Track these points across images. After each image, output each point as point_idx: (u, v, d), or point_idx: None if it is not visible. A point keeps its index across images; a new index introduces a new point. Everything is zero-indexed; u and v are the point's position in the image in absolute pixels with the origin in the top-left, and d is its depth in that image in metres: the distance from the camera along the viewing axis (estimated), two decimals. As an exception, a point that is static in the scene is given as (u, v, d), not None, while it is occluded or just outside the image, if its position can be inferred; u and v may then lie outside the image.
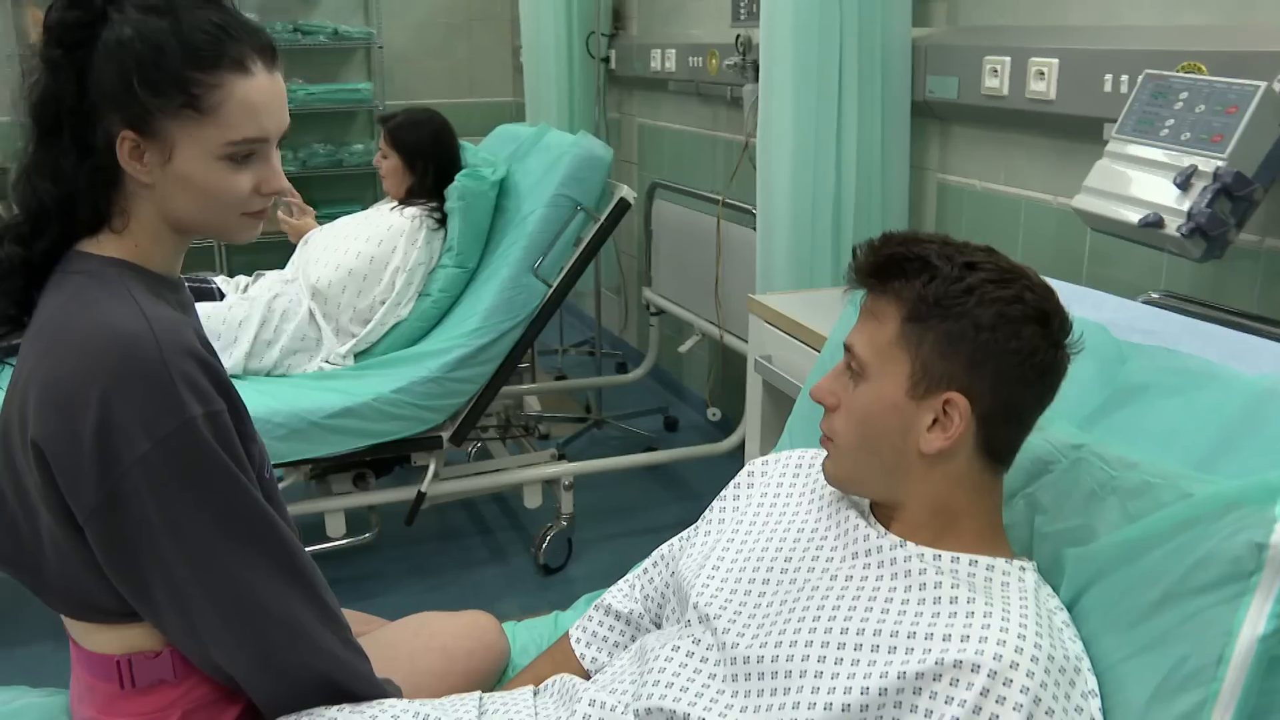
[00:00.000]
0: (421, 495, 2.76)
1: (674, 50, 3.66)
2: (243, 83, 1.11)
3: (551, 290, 2.75)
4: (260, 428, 2.40)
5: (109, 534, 1.08)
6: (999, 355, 1.05)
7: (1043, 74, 2.09)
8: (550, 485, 3.00)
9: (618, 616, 1.40)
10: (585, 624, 1.41)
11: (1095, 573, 1.07)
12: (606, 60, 4.21)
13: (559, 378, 4.42)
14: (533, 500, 2.98)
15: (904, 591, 1.05)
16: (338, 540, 2.78)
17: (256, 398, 2.54)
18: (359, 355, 2.81)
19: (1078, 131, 2.07)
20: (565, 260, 2.78)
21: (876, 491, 1.15)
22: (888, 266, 1.09)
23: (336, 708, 1.19)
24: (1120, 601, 1.03)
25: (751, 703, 1.05)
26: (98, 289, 1.12)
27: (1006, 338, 1.04)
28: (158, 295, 1.16)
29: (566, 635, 1.42)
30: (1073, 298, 1.50)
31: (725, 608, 1.16)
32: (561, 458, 3.39)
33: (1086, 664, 1.01)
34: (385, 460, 2.96)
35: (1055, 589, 1.11)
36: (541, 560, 2.92)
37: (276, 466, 2.61)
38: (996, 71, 2.20)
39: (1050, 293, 1.09)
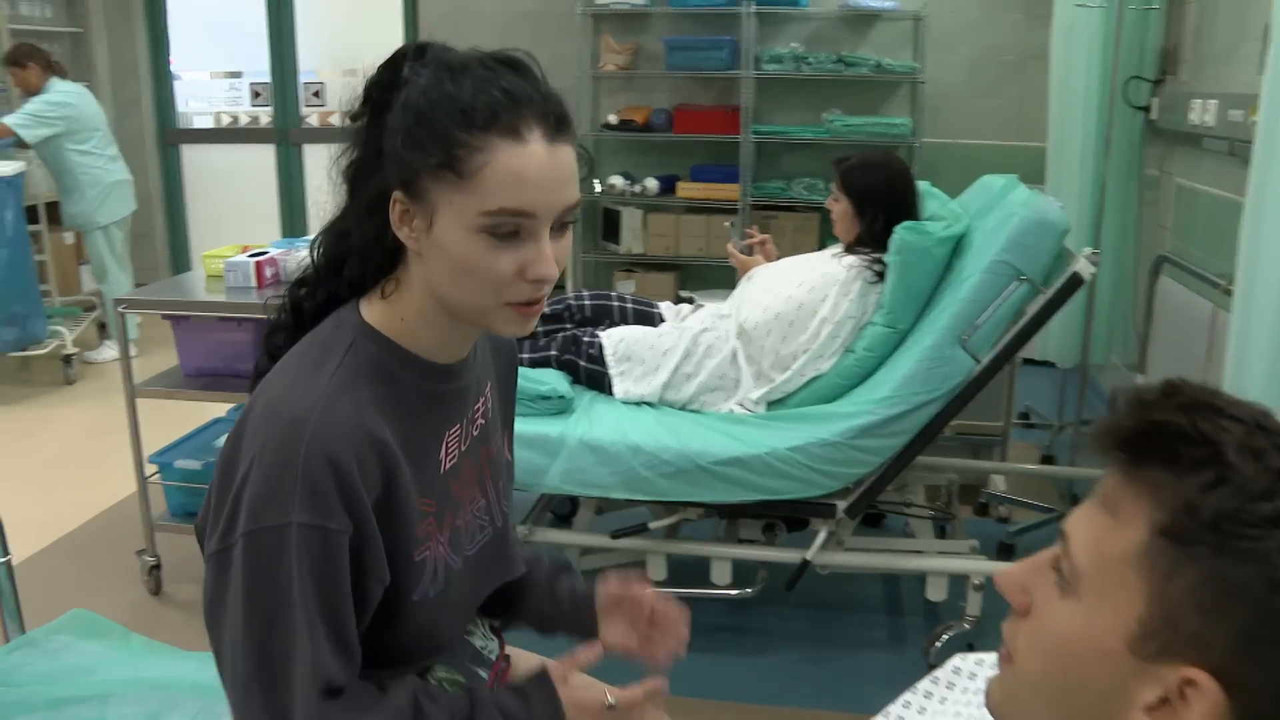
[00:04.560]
0: (806, 563, 2.59)
1: (1215, 101, 3.09)
2: (512, 149, 1.01)
3: (981, 367, 2.43)
4: (647, 461, 2.44)
5: (210, 579, 1.07)
6: None
7: None
8: (962, 580, 2.67)
9: None
10: None
11: None
12: (1146, 110, 3.67)
13: (1045, 458, 3.95)
14: (936, 593, 2.66)
15: None
16: (722, 588, 2.71)
17: (654, 428, 2.55)
18: (772, 404, 2.70)
19: None
20: (1001, 334, 2.44)
21: None
22: (1152, 439, 0.70)
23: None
24: None
25: None
26: (319, 353, 1.11)
27: None
28: (386, 381, 1.11)
29: None
30: None
31: None
32: (1009, 549, 3.09)
33: None
34: (801, 516, 2.83)
35: None
36: (930, 660, 2.61)
37: (657, 504, 2.60)
38: None
39: None
